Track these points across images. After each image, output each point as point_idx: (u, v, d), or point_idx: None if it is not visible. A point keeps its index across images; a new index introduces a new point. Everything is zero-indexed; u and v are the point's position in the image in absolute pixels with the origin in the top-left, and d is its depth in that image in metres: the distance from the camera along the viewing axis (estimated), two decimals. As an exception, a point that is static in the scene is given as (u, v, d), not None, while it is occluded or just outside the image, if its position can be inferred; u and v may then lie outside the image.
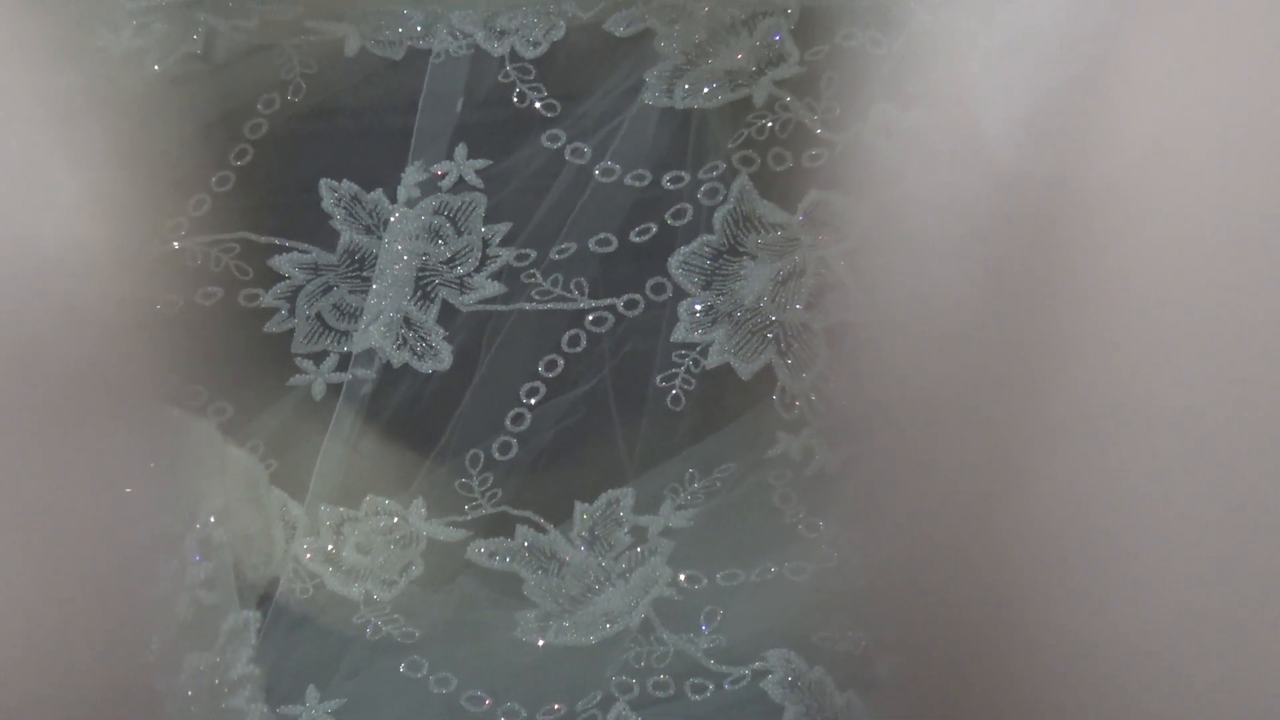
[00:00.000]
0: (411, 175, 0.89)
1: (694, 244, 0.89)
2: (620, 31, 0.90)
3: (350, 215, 0.89)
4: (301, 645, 0.85)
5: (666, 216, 0.89)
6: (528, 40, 0.90)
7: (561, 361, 0.89)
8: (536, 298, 0.89)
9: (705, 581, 0.88)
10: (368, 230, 0.89)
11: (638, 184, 0.89)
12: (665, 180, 0.89)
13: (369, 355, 0.88)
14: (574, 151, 0.89)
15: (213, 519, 0.73)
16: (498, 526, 0.88)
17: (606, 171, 0.89)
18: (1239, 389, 0.17)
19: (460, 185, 0.89)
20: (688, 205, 0.89)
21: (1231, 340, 0.16)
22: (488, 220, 0.89)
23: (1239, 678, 0.20)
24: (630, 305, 0.89)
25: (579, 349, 0.89)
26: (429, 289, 0.89)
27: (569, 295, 0.89)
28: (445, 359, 0.88)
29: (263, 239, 0.88)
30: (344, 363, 0.88)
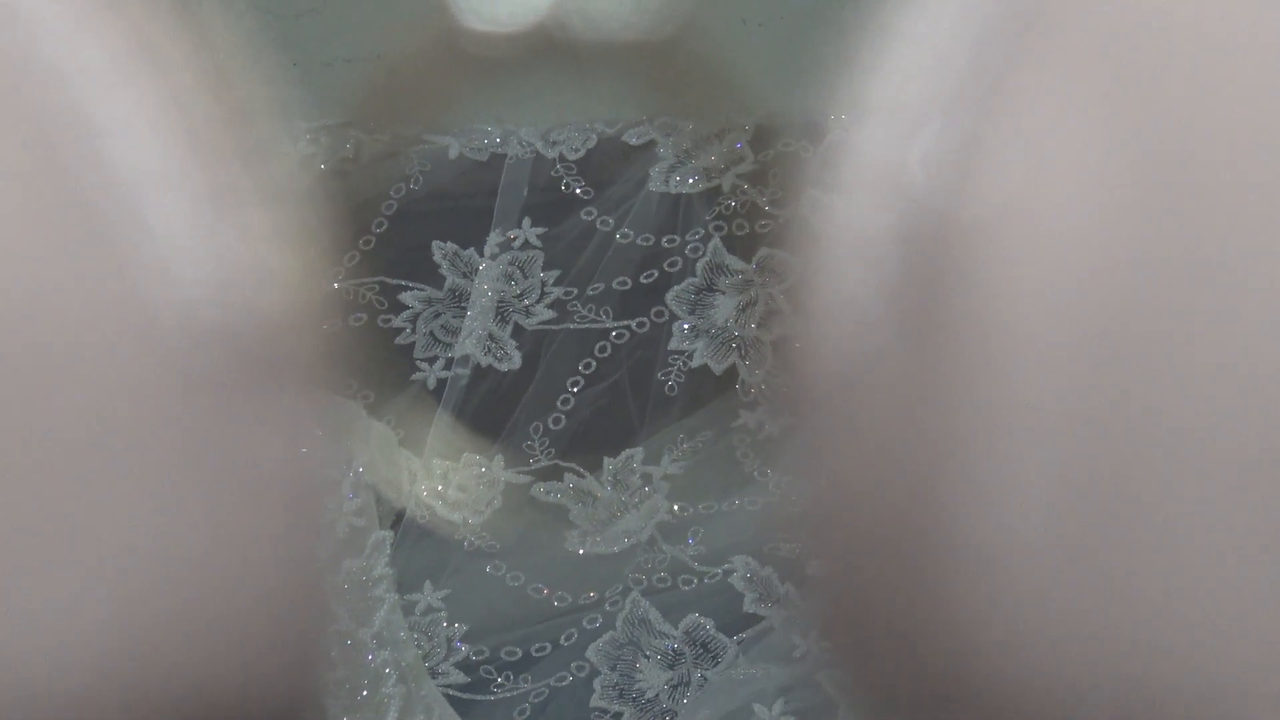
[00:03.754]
0: (493, 239, 0.89)
1: (683, 284, 0.89)
2: (634, 141, 0.90)
3: (452, 265, 0.89)
4: (421, 554, 0.85)
5: (664, 265, 0.89)
6: (571, 147, 0.90)
7: (594, 363, 0.89)
8: (578, 320, 0.89)
9: (691, 510, 0.88)
10: (464, 275, 0.89)
11: (645, 244, 0.89)
12: (664, 241, 0.89)
13: (465, 359, 0.88)
14: (602, 222, 0.89)
15: (361, 469, 0.73)
16: (552, 474, 0.88)
17: (624, 235, 0.89)
18: (1086, 380, 0.17)
19: (526, 245, 0.89)
20: (679, 258, 0.89)
21: (1075, 347, 0.16)
22: (545, 269, 0.89)
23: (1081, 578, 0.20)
24: (640, 325, 0.89)
25: (606, 354, 0.89)
26: (505, 314, 0.89)
27: (599, 319, 0.89)
28: (517, 362, 0.88)
29: (394, 281, 0.88)
30: (448, 364, 0.88)
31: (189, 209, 0.12)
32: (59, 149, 0.11)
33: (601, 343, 0.89)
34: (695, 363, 0.89)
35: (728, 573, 0.87)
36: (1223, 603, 0.10)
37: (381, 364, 0.88)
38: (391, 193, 0.90)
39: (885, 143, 0.13)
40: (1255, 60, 0.11)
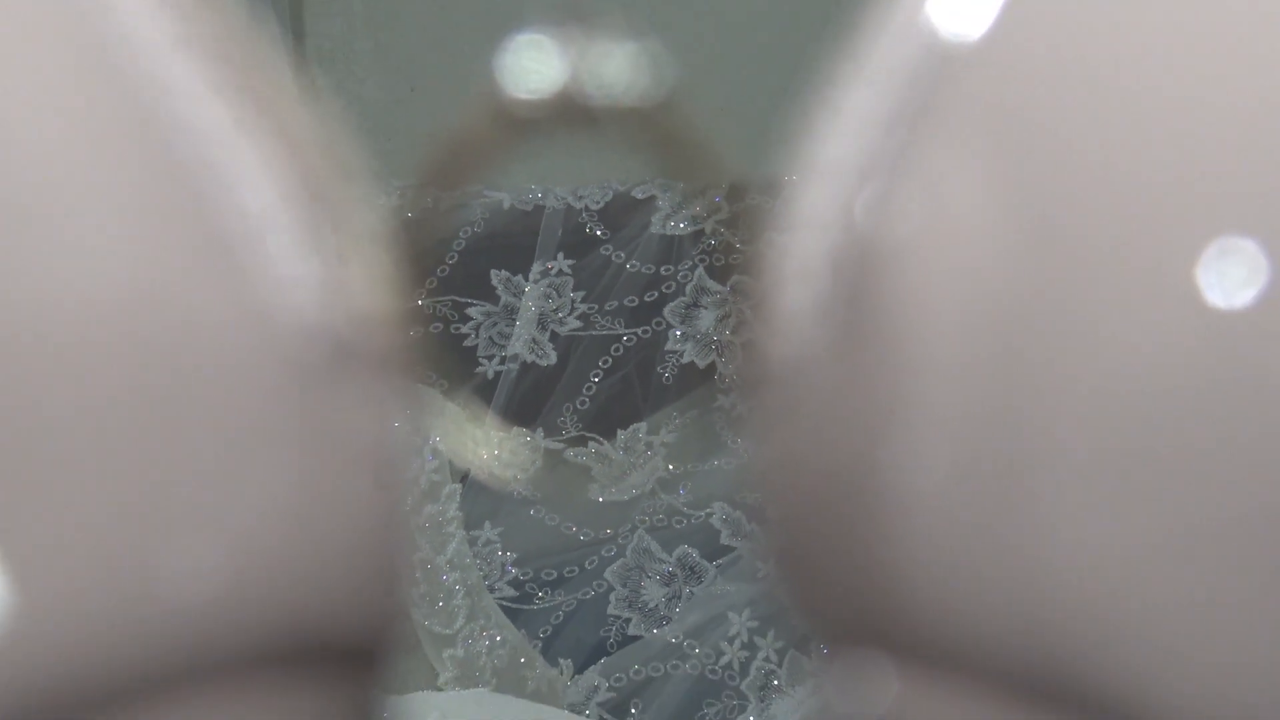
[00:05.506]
0: (536, 268, 0.89)
1: (676, 301, 0.89)
2: (639, 195, 0.90)
3: (506, 287, 0.89)
4: (481, 501, 0.85)
5: (662, 288, 0.89)
6: (594, 200, 0.90)
7: (610, 360, 0.89)
8: (598, 328, 0.89)
9: (682, 468, 0.87)
10: (514, 295, 0.89)
11: (648, 272, 0.89)
12: (662, 270, 0.89)
13: (515, 357, 0.88)
14: (616, 255, 0.89)
15: (437, 438, 0.73)
16: (578, 442, 0.88)
17: (632, 265, 0.89)
18: (977, 375, 0.17)
19: (560, 273, 0.89)
20: (673, 282, 0.89)
21: (968, 348, 0.15)
22: (574, 290, 0.89)
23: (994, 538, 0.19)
24: (645, 332, 0.89)
25: (619, 354, 0.89)
26: (545, 324, 0.89)
27: (614, 327, 0.89)
28: (553, 359, 0.88)
29: (463, 299, 0.88)
30: (503, 361, 0.88)
31: (301, 243, 0.12)
32: (203, 195, 0.11)
33: (615, 345, 0.89)
34: (685, 360, 0.89)
35: (709, 515, 0.87)
36: (1093, 545, 0.10)
37: (453, 360, 0.88)
38: (460, 234, 0.90)
39: (822, 195, 0.13)
40: (1108, 134, 0.11)
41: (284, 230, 0.11)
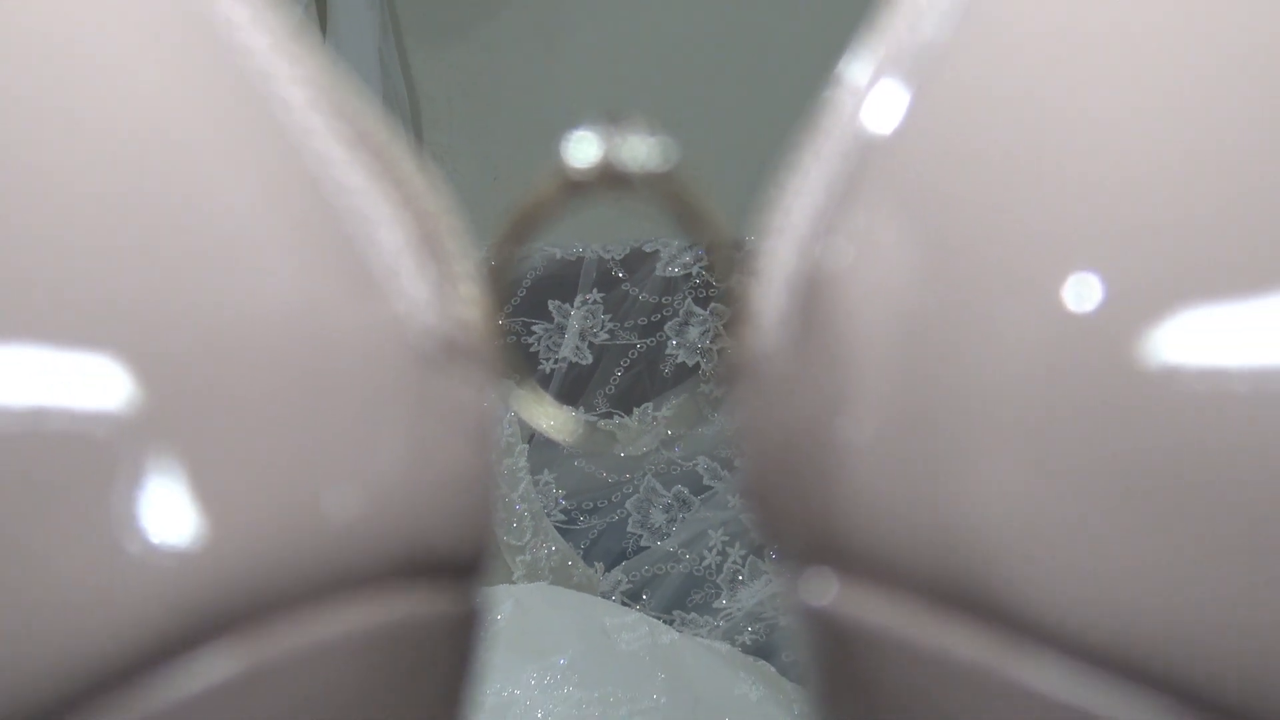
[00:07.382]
0: (578, 299, 0.89)
1: (673, 321, 0.89)
2: (648, 249, 0.90)
3: (558, 311, 0.89)
4: (542, 455, 0.85)
5: (664, 312, 0.89)
6: (617, 252, 0.90)
7: (628, 361, 0.89)
8: (620, 339, 0.89)
9: (678, 434, 0.87)
10: (564, 317, 0.89)
11: (653, 301, 0.89)
12: (663, 300, 0.89)
13: (564, 359, 0.88)
14: (632, 290, 0.89)
15: (511, 413, 0.72)
16: (607, 416, 0.88)
17: (643, 297, 0.88)
18: (900, 363, 0.15)
19: (595, 302, 0.89)
20: (671, 308, 0.89)
21: (894, 344, 0.14)
22: (604, 313, 0.89)
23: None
24: (651, 342, 0.89)
25: (634, 356, 0.89)
26: (584, 336, 0.89)
27: (631, 339, 0.89)
28: (590, 360, 0.88)
29: (529, 320, 0.88)
30: (556, 362, 0.88)
31: (422, 274, 0.11)
32: (353, 237, 0.11)
33: (631, 350, 0.89)
34: (679, 361, 0.88)
35: (695, 464, 0.86)
36: (994, 485, 0.10)
37: (522, 361, 0.87)
38: (527, 275, 0.90)
39: (784, 238, 0.12)
40: (987, 197, 0.11)
41: (410, 264, 0.11)
